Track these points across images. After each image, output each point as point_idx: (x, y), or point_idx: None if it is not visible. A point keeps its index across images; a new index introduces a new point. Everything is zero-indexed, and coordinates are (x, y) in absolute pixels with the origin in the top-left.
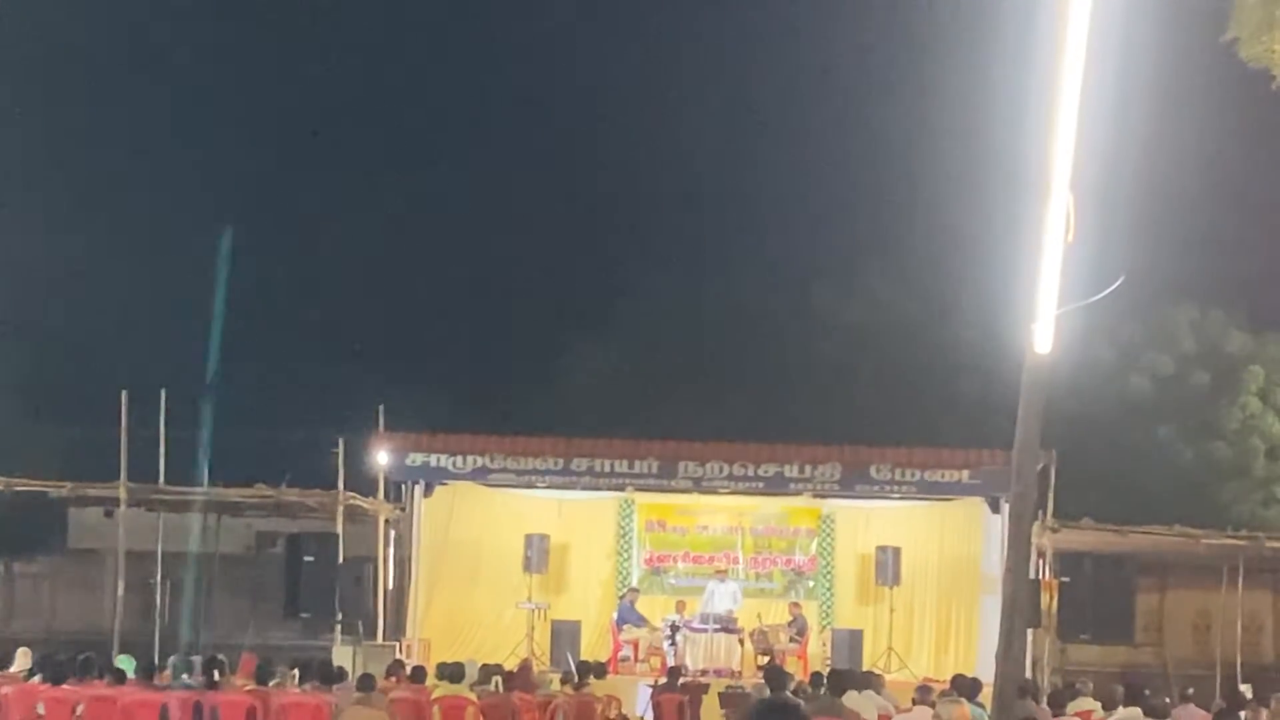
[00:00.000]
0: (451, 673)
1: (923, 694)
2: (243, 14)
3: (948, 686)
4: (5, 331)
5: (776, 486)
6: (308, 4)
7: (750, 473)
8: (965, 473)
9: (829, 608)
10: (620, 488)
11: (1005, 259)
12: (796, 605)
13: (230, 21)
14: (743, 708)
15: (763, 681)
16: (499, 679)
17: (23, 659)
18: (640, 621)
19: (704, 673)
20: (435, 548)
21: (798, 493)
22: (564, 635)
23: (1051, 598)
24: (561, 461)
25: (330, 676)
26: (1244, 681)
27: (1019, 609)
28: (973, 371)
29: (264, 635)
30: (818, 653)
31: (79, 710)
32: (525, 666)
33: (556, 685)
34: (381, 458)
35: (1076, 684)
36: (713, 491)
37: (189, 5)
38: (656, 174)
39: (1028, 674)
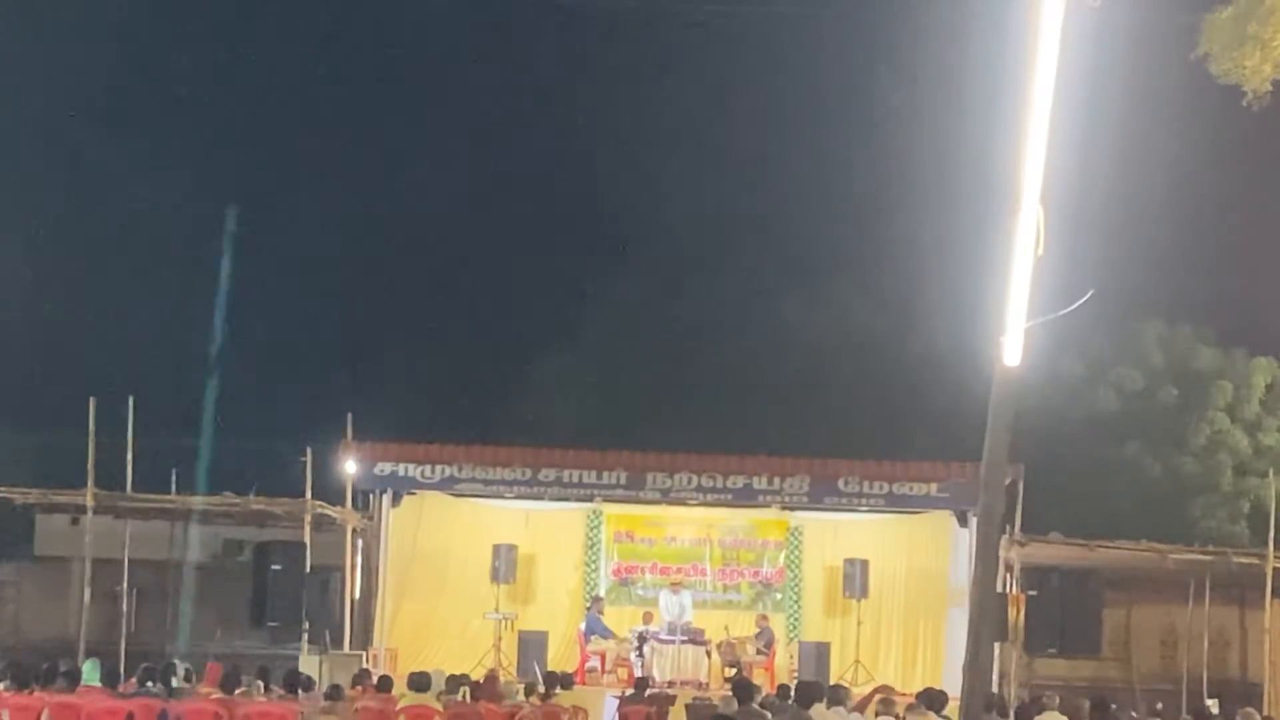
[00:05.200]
0: (418, 682)
1: (885, 706)
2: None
3: (912, 699)
4: None
5: (744, 498)
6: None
7: (718, 484)
8: (934, 486)
9: (796, 620)
10: (588, 498)
11: (975, 272)
12: (764, 617)
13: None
14: None
15: (730, 693)
16: (466, 689)
17: None
18: (607, 632)
19: (671, 684)
20: (403, 557)
21: (766, 505)
22: (531, 646)
23: (1019, 612)
24: (530, 472)
25: (296, 685)
26: (1210, 697)
27: (986, 622)
28: (941, 384)
29: (230, 644)
30: (785, 665)
31: (44, 717)
32: (492, 677)
33: (523, 696)
34: (349, 467)
35: (1043, 698)
36: (681, 503)
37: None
38: (625, 184)
39: (994, 688)
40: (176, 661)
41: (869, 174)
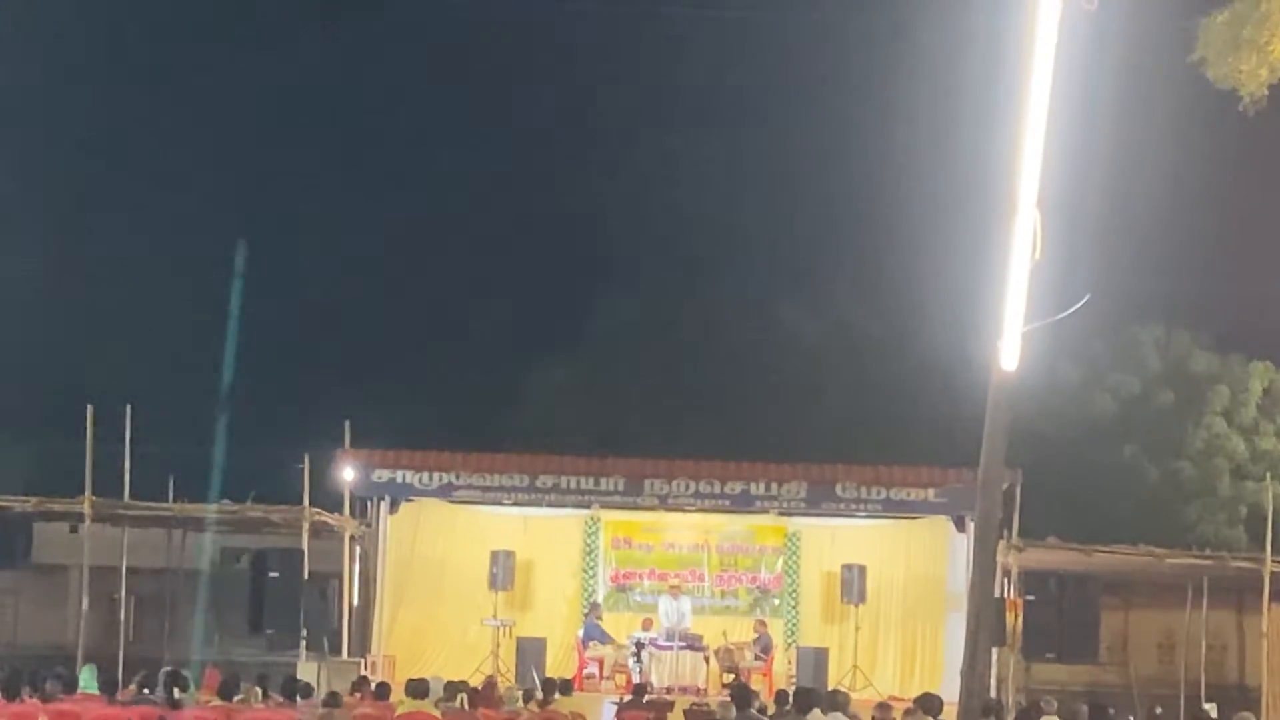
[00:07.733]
0: (416, 689)
1: (882, 711)
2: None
3: (911, 704)
4: None
5: (742, 504)
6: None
7: (716, 490)
8: (931, 491)
9: (794, 626)
10: (586, 505)
11: (972, 276)
12: (762, 623)
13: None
14: None
15: (728, 699)
16: (464, 696)
17: None
18: (605, 638)
19: (669, 690)
20: (400, 564)
21: (764, 510)
22: (529, 652)
23: (1016, 616)
24: (527, 478)
25: (295, 692)
26: (1208, 701)
27: (984, 627)
28: (939, 389)
29: (228, 651)
30: (783, 671)
31: None
32: (490, 684)
33: (522, 702)
34: (347, 474)
35: (1041, 703)
36: (679, 509)
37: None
38: (623, 191)
39: (992, 693)
40: (175, 669)
41: (866, 180)
